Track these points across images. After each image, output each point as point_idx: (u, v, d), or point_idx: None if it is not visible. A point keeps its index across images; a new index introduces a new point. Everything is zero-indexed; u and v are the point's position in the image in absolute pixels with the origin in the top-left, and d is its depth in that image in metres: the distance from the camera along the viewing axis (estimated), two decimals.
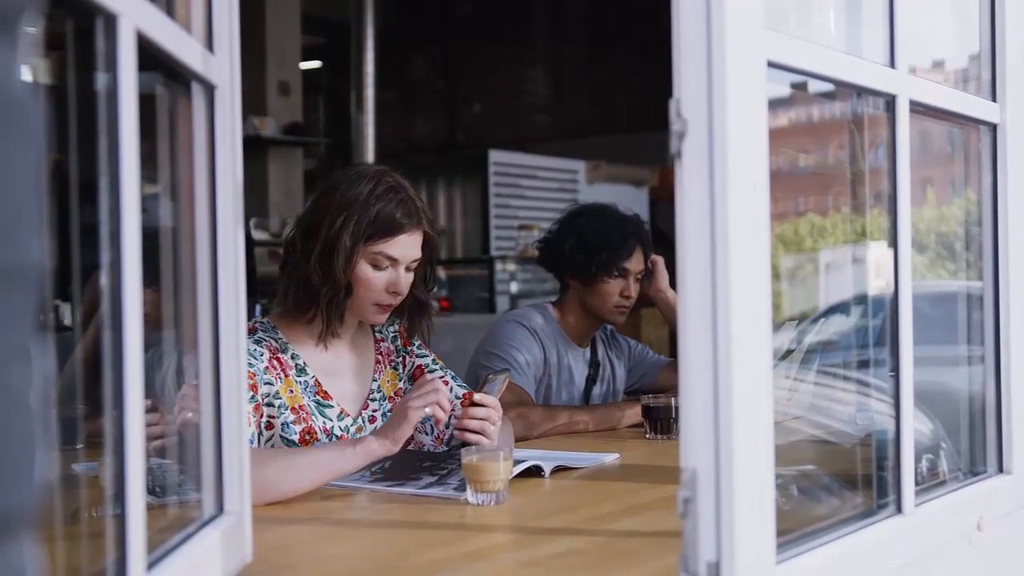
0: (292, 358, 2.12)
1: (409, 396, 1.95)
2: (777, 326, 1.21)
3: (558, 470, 2.10)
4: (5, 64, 0.50)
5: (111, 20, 0.95)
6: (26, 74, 0.53)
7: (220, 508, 1.31)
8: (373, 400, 2.22)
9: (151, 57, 1.06)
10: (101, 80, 0.97)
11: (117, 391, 0.96)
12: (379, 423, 2.18)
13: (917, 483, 1.48)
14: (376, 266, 2.09)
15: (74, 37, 1.01)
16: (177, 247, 1.30)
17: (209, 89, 1.29)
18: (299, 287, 2.11)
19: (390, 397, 2.25)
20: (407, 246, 2.11)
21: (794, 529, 1.28)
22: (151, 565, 1.04)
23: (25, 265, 0.51)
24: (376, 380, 2.24)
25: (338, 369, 2.18)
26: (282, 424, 2.05)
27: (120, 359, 0.96)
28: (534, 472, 2.04)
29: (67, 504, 1.19)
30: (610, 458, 2.27)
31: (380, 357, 2.27)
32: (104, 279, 0.97)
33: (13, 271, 0.49)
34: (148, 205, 1.03)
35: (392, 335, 2.31)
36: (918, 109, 1.51)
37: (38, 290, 0.52)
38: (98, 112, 0.97)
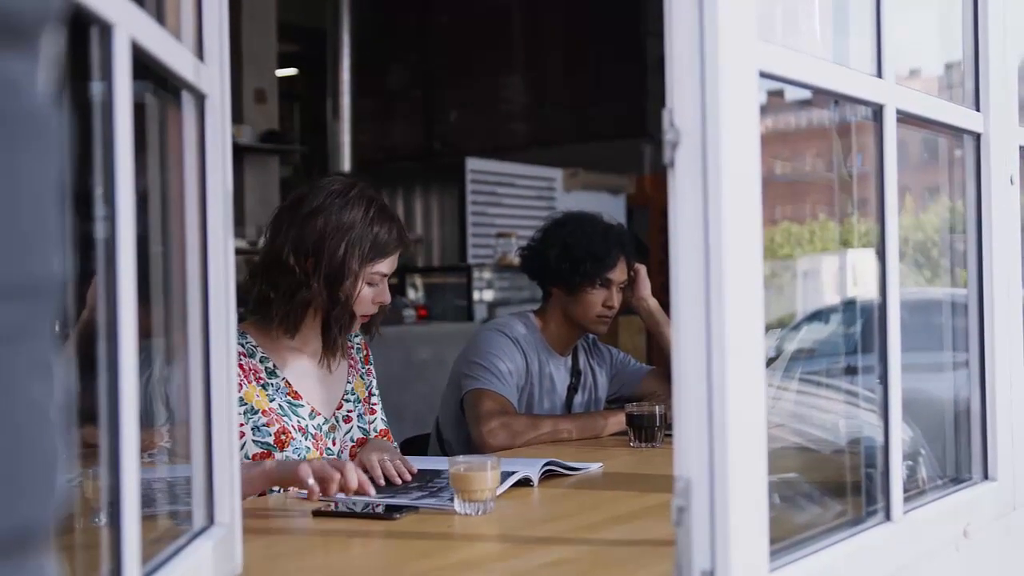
0: (261, 361, 2.19)
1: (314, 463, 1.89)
2: None
3: (547, 475, 2.10)
4: (28, 78, 0.49)
5: (106, 29, 0.94)
6: (46, 87, 0.52)
7: (211, 520, 1.30)
8: (348, 400, 2.32)
9: (142, 66, 1.06)
10: (95, 88, 0.96)
11: (112, 403, 0.95)
12: (354, 423, 2.30)
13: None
14: (371, 284, 2.21)
15: (65, 45, 1.00)
16: (166, 256, 1.29)
17: (200, 98, 1.28)
18: (299, 308, 2.16)
19: (363, 400, 2.35)
20: (394, 261, 2.25)
21: (786, 537, 1.28)
22: None
23: (48, 278, 0.50)
24: (350, 382, 2.34)
25: (310, 371, 2.26)
26: (254, 428, 2.11)
27: (115, 370, 0.95)
28: (522, 481, 2.04)
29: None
30: (594, 467, 2.27)
31: (352, 362, 2.37)
32: (98, 288, 0.96)
33: (36, 284, 0.49)
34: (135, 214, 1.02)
35: (357, 346, 2.40)
36: (903, 118, 1.52)
37: (58, 304, 0.52)
38: (92, 120, 0.96)
